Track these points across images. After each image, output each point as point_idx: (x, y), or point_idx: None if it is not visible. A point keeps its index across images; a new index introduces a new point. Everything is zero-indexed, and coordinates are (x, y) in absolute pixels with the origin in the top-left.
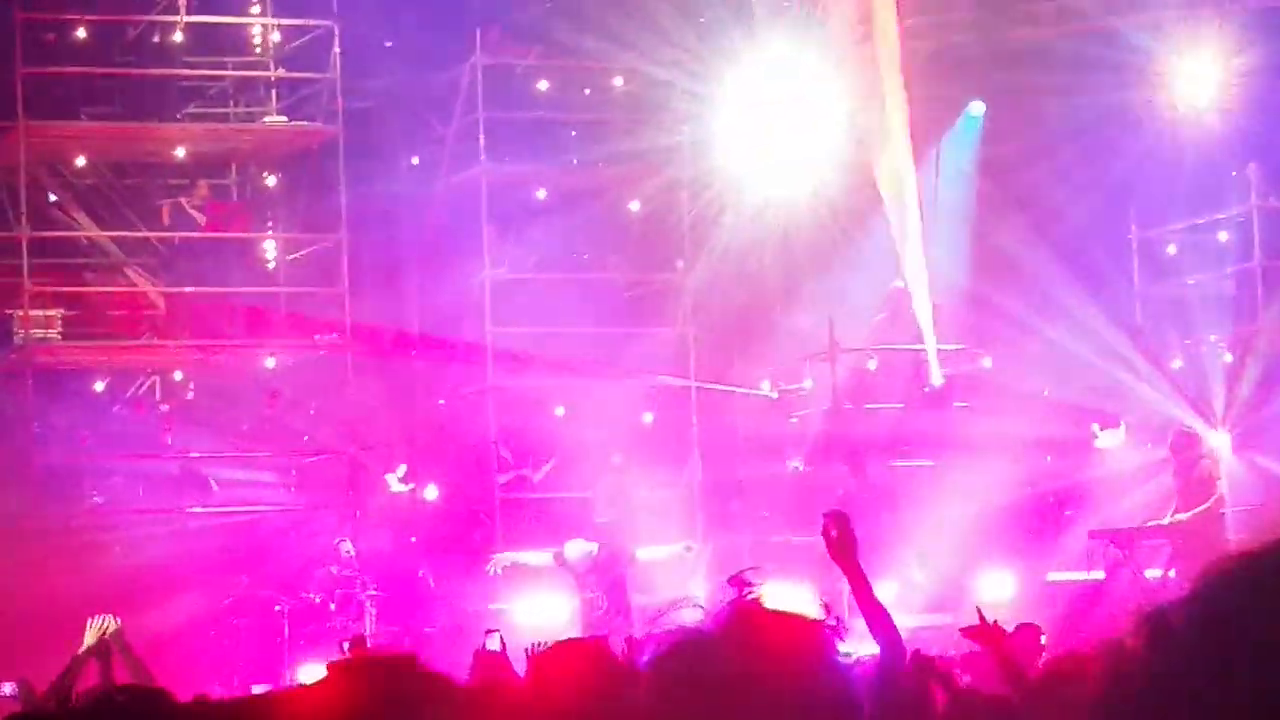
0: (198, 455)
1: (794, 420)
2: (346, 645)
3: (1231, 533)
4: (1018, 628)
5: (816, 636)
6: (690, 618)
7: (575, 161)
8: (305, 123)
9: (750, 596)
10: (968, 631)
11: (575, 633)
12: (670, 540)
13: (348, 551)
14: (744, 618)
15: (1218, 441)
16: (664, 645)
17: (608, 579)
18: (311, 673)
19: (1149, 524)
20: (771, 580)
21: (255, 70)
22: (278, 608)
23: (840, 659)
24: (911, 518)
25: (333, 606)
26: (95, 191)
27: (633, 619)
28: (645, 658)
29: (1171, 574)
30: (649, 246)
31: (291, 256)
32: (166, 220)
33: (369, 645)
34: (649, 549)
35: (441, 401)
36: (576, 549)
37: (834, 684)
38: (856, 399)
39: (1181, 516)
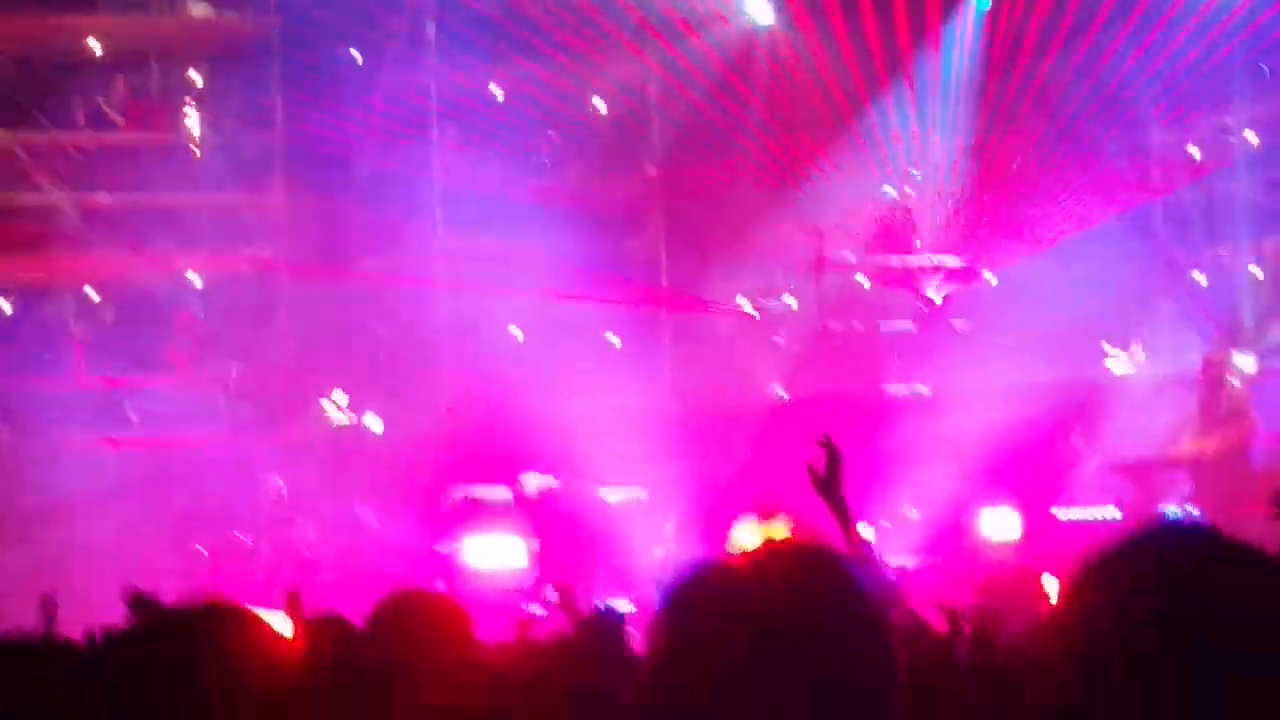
0: (115, 383)
1: (776, 341)
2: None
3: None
4: (1016, 574)
5: (849, 569)
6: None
7: (532, 57)
8: (234, 13)
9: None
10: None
11: (531, 577)
12: (635, 478)
13: (279, 488)
14: (773, 548)
15: (1243, 362)
16: (683, 576)
17: (567, 518)
18: None
19: (1167, 455)
20: (750, 518)
21: None
22: (202, 550)
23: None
24: (905, 450)
25: (264, 548)
26: None
27: (593, 564)
28: (662, 590)
29: (1193, 510)
30: (615, 149)
31: (220, 163)
32: (83, 123)
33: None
34: (611, 489)
35: (383, 325)
36: (534, 482)
37: (867, 619)
38: (845, 318)
39: (1208, 444)
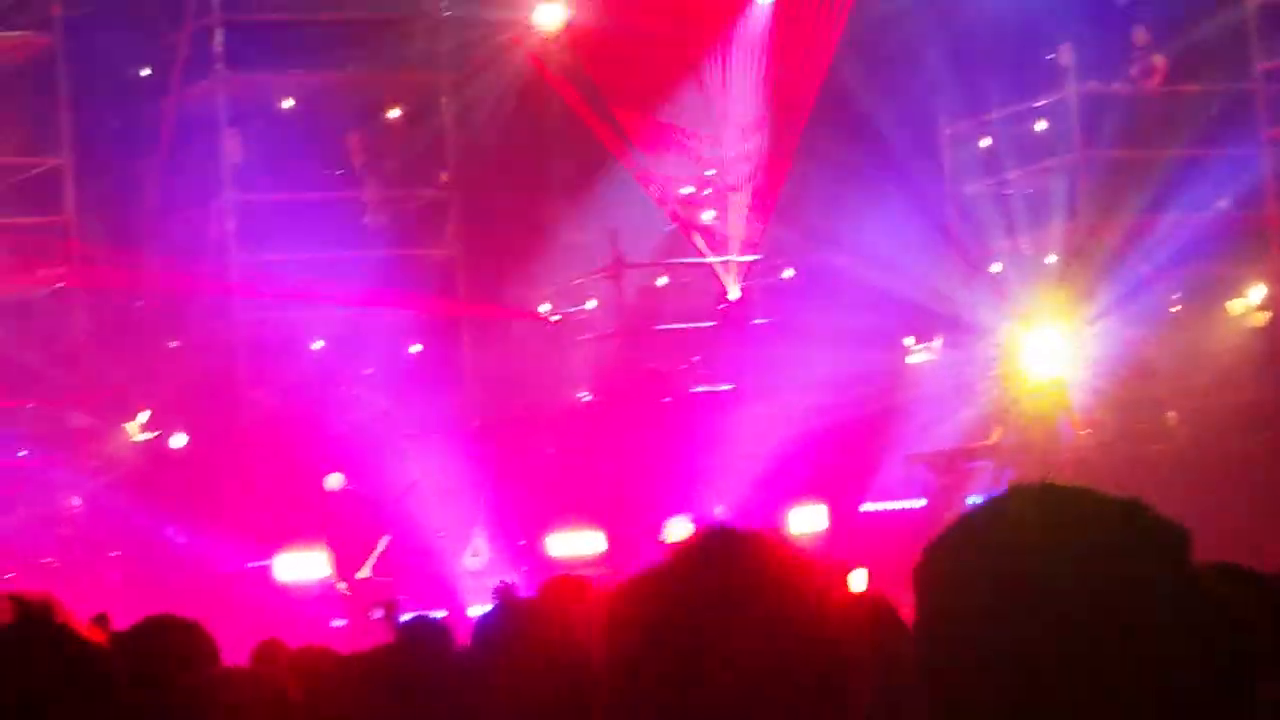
0: None
1: (578, 345)
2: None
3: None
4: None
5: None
6: None
7: (323, 67)
8: (15, 32)
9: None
10: None
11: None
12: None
13: (75, 508)
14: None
15: None
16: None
17: (368, 518)
18: None
19: (970, 445)
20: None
21: None
22: (8, 575)
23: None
24: (711, 448)
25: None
26: None
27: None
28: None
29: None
30: (409, 159)
31: (7, 183)
32: None
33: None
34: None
35: (175, 343)
36: (336, 481)
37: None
38: (646, 320)
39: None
